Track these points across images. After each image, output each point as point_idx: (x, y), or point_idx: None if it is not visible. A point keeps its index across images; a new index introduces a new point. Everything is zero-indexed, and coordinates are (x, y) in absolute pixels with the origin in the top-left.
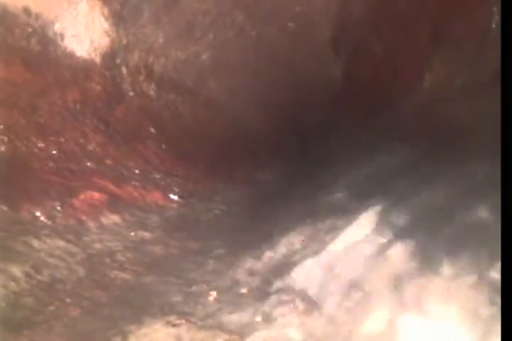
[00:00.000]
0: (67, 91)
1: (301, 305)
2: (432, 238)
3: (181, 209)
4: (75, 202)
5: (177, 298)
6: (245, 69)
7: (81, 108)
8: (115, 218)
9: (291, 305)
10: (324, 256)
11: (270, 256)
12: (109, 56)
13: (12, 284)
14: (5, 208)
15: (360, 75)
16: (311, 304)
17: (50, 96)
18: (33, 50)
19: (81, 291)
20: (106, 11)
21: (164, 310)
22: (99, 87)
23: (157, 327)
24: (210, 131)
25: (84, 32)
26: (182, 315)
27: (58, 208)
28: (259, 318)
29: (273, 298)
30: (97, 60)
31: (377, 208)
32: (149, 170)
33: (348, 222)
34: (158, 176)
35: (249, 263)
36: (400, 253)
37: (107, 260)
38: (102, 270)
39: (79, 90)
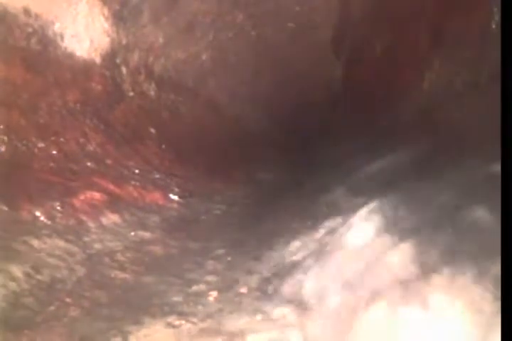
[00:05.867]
0: (67, 91)
1: (300, 305)
2: (433, 238)
3: (181, 209)
4: (75, 202)
5: (177, 298)
6: (245, 69)
7: (81, 108)
8: (115, 218)
9: (291, 305)
10: (324, 256)
11: (270, 256)
12: (109, 56)
13: (12, 284)
14: (5, 208)
15: (360, 75)
16: (311, 304)
17: (50, 96)
18: (33, 50)
19: (81, 291)
20: (106, 11)
21: (164, 310)
22: (99, 87)
23: (157, 327)
24: (210, 131)
25: (84, 32)
26: (182, 315)
27: (58, 208)
28: (259, 318)
29: (273, 298)
30: (97, 60)
31: (378, 208)
32: (149, 170)
33: (349, 222)
34: (158, 176)
35: (249, 263)
36: (401, 253)
37: (107, 260)
38: (102, 270)
39: (79, 90)
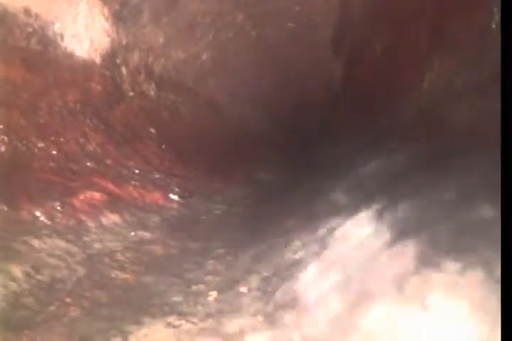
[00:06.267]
0: (67, 91)
1: (301, 305)
2: (433, 237)
3: (181, 209)
4: (75, 202)
5: (177, 298)
6: (245, 69)
7: (81, 108)
8: (115, 218)
9: (292, 305)
10: (325, 255)
11: (270, 255)
12: (109, 56)
13: (12, 284)
14: (5, 208)
15: (360, 75)
16: (311, 304)
17: (50, 96)
18: (33, 50)
19: (81, 291)
20: (106, 11)
21: (164, 311)
22: (99, 87)
23: (157, 327)
24: (210, 131)
25: (84, 32)
26: (182, 315)
27: (58, 208)
28: (259, 318)
29: (273, 298)
30: (97, 60)
31: (378, 208)
32: (149, 170)
33: (349, 222)
34: (158, 176)
35: (249, 263)
36: (401, 253)
37: (107, 260)
38: (102, 270)
39: (79, 90)
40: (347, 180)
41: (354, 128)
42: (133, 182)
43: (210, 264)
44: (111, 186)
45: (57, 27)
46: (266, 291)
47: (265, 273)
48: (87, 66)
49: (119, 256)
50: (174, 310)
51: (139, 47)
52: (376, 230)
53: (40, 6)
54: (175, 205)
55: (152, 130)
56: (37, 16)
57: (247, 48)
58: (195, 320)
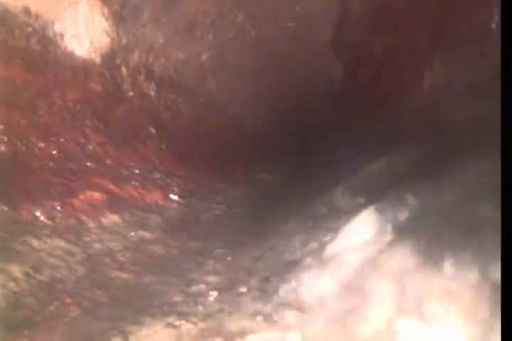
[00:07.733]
0: (67, 91)
1: (300, 306)
2: (433, 238)
3: (181, 209)
4: (75, 202)
5: (177, 298)
6: (245, 69)
7: (81, 108)
8: (115, 218)
9: (291, 305)
10: (324, 256)
11: (270, 256)
12: (109, 56)
13: (12, 284)
14: (5, 208)
15: (360, 75)
16: (311, 305)
17: (50, 96)
18: (33, 50)
19: (81, 291)
20: (106, 11)
21: (164, 311)
22: (99, 87)
23: (157, 327)
24: (210, 131)
25: (84, 32)
26: (182, 315)
27: (58, 208)
28: (259, 318)
29: (273, 298)
30: (97, 60)
31: (378, 208)
32: (149, 170)
33: (349, 223)
34: (158, 176)
35: (249, 263)
36: (400, 253)
37: (107, 260)
38: (102, 270)
39: (79, 90)
40: (347, 180)
41: (354, 128)
42: (133, 182)
43: (210, 264)
44: (111, 186)
45: (57, 27)
46: (266, 291)
47: (265, 274)
48: (87, 66)
49: (119, 256)
50: (174, 310)
51: (138, 47)
52: (376, 230)
53: (40, 5)
54: (175, 205)
55: (152, 130)
56: (37, 16)
57: (247, 48)
58: (195, 320)
